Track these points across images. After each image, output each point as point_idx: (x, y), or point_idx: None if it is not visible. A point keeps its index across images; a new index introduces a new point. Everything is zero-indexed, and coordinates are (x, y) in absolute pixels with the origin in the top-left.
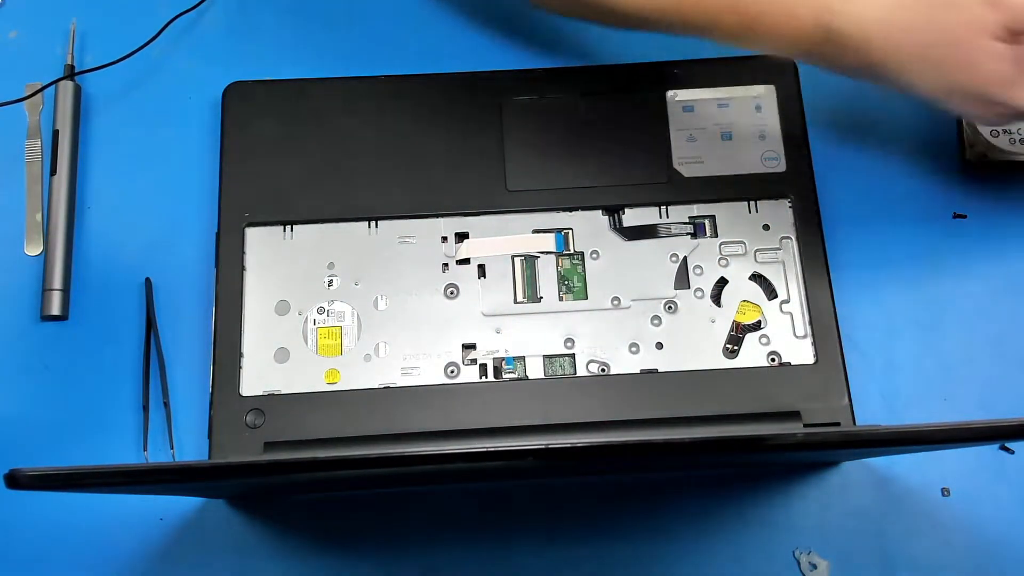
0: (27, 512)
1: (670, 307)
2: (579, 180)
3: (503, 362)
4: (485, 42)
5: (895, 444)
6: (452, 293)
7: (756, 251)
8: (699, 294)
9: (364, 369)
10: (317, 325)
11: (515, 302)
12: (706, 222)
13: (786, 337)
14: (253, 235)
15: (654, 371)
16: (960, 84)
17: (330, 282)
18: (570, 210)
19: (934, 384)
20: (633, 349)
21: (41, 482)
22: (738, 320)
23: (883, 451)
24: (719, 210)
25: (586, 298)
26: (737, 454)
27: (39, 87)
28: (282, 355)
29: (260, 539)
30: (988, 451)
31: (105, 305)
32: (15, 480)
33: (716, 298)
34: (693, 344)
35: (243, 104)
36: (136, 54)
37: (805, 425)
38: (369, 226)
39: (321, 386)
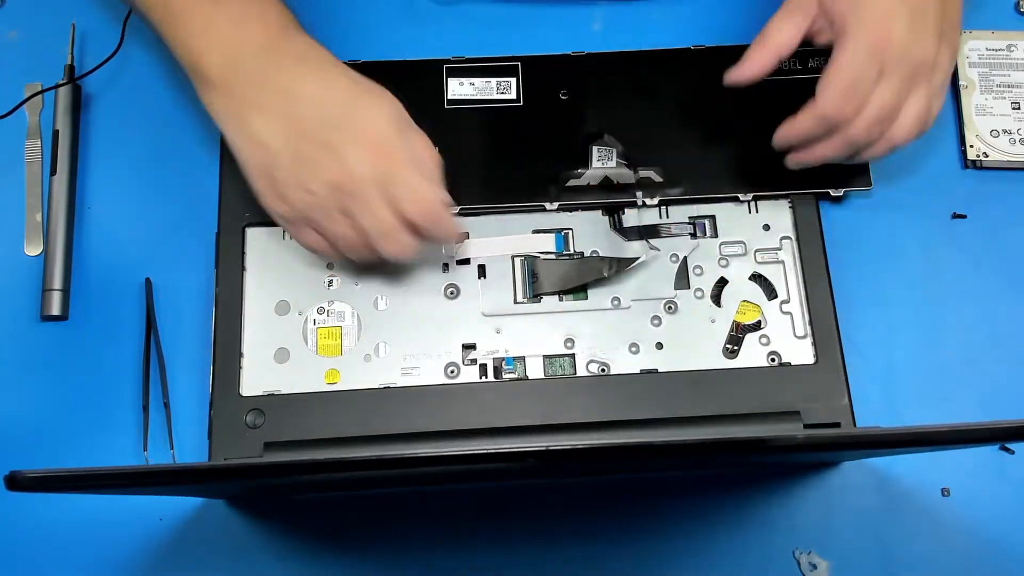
0: (27, 512)
1: (670, 307)
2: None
3: (503, 362)
4: (484, 40)
5: (895, 444)
6: (452, 293)
7: (756, 251)
8: (699, 294)
9: (364, 369)
10: (317, 325)
11: (515, 302)
12: (706, 222)
13: (786, 337)
14: (253, 235)
15: (654, 371)
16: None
17: (330, 282)
18: (570, 210)
19: (934, 384)
20: (633, 349)
21: (41, 484)
22: (738, 320)
23: (883, 451)
24: (719, 210)
25: (586, 298)
26: (737, 455)
27: (39, 88)
28: (282, 355)
29: (260, 539)
30: (988, 451)
31: (105, 305)
32: (15, 482)
33: (716, 298)
34: (693, 344)
35: None
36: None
37: (805, 425)
38: None
39: (321, 386)
